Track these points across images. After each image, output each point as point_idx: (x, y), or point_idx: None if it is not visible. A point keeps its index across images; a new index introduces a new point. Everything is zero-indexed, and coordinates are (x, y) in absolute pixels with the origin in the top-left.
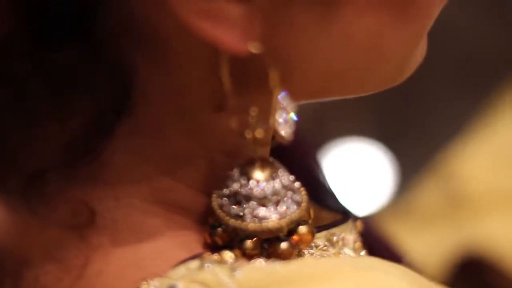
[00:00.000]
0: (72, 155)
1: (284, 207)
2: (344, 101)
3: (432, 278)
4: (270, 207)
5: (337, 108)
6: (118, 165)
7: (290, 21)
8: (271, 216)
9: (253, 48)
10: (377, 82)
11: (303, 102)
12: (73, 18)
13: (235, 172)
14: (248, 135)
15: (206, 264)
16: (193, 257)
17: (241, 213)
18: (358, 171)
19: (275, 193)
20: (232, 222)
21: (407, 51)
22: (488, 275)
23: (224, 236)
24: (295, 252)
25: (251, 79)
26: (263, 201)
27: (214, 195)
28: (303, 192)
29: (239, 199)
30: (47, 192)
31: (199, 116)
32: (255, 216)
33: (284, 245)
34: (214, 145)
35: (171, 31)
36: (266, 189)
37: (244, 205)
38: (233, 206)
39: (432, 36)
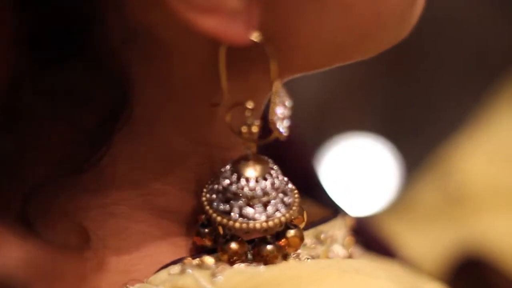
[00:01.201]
0: (70, 168)
1: (273, 209)
2: (348, 96)
3: (430, 275)
4: (258, 207)
5: (340, 104)
6: (111, 173)
7: (287, 4)
8: (259, 217)
9: (255, 37)
10: (381, 43)
11: (310, 72)
12: (71, 35)
13: (228, 168)
14: (244, 130)
15: (187, 269)
16: (174, 262)
17: (229, 211)
18: (361, 168)
19: (265, 193)
20: (219, 219)
21: (407, 8)
22: (487, 273)
23: (210, 237)
24: (280, 255)
25: (248, 73)
26: (252, 201)
27: (205, 190)
28: (296, 195)
29: (228, 196)
30: (44, 209)
31: (195, 113)
32: (243, 215)
33: (269, 247)
34: (209, 142)
35: (167, 32)
36: (256, 189)
37: (233, 203)
38: (222, 203)
39: (439, 32)
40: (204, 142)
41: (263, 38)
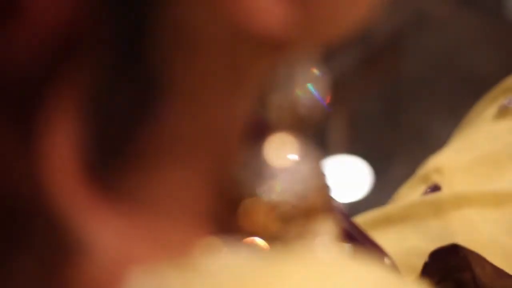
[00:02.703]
0: (88, 170)
1: (264, 190)
2: (331, 120)
3: (412, 277)
4: (256, 179)
5: (320, 124)
6: (132, 165)
7: None
8: (251, 187)
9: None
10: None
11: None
12: (133, 46)
13: (264, 136)
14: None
15: (185, 260)
16: (175, 254)
17: (244, 167)
18: (344, 190)
19: (265, 172)
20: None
21: None
22: (468, 274)
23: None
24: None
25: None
26: (253, 171)
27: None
28: (313, 193)
29: (246, 158)
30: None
31: (220, 100)
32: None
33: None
34: (234, 127)
35: (204, 25)
36: (261, 163)
37: (246, 165)
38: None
39: (428, 57)
40: (227, 129)
41: (298, 19)
